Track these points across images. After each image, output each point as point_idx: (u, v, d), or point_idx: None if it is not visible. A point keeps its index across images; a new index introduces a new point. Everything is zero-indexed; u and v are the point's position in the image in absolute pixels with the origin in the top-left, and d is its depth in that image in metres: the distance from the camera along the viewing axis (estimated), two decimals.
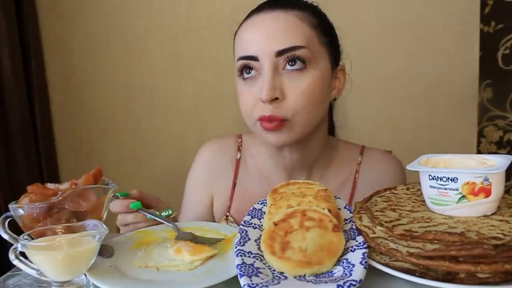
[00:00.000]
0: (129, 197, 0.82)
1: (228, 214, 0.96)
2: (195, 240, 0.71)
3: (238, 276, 0.53)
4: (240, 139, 1.01)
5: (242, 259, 0.56)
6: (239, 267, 0.54)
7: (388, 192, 0.73)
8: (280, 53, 0.78)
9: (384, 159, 0.97)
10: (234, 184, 0.97)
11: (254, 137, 0.99)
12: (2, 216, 0.67)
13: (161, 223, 0.79)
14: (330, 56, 0.85)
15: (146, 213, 0.80)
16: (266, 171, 0.95)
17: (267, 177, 0.95)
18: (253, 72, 0.81)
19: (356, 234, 0.62)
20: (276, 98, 0.78)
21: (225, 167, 0.98)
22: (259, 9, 0.84)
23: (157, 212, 0.81)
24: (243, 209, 0.93)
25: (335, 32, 0.88)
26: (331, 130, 1.04)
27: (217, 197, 0.99)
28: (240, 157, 0.98)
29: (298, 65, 0.79)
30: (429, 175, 0.61)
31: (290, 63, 0.78)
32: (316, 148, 0.90)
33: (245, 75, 0.82)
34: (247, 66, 0.81)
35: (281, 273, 0.55)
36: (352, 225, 0.65)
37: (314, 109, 0.82)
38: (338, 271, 0.54)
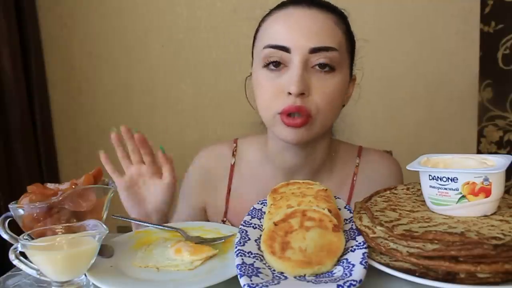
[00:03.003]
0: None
1: (225, 219, 0.96)
2: (204, 242, 0.70)
3: (238, 276, 0.53)
4: (235, 144, 1.00)
5: (242, 259, 0.56)
6: (239, 267, 0.54)
7: (388, 192, 0.73)
8: (313, 51, 0.78)
9: (381, 160, 0.97)
10: (229, 190, 0.97)
11: (249, 141, 0.99)
12: (2, 216, 0.67)
13: (168, 229, 0.78)
14: (350, 65, 0.86)
15: (150, 225, 0.80)
16: (263, 175, 0.94)
17: (263, 181, 0.94)
18: (280, 65, 0.80)
19: (356, 234, 0.62)
20: (303, 94, 0.78)
21: (220, 174, 0.98)
22: (295, 2, 0.83)
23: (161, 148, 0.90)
24: (240, 213, 0.92)
25: (355, 43, 0.89)
26: None
27: (213, 203, 0.99)
28: (234, 162, 0.98)
29: (328, 68, 0.79)
30: (429, 175, 0.61)
31: (320, 65, 0.79)
32: (321, 153, 0.90)
33: (272, 67, 0.81)
34: (274, 59, 0.80)
35: (281, 273, 0.55)
36: (352, 225, 0.65)
37: (333, 112, 0.83)
38: (338, 271, 0.54)
